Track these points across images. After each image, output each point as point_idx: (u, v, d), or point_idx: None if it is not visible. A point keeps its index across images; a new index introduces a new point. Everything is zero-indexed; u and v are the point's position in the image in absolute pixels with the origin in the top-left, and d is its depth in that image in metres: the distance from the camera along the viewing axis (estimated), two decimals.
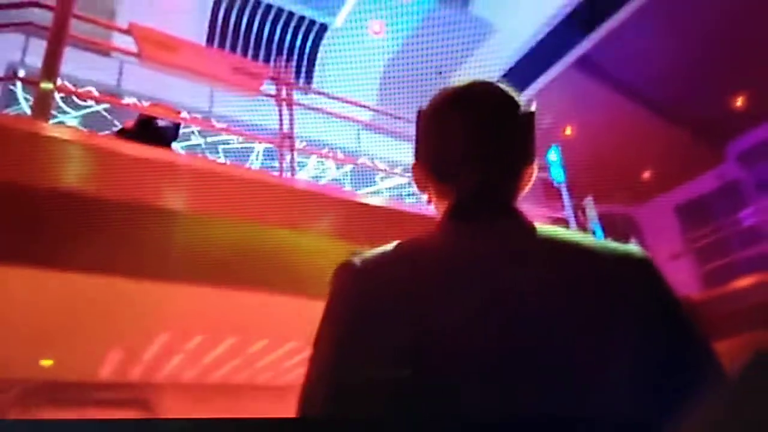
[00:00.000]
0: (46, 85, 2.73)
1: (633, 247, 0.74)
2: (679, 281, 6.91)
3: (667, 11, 5.96)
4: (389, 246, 0.75)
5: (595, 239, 0.75)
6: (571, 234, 0.75)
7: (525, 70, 6.49)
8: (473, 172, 0.77)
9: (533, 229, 0.74)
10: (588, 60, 6.54)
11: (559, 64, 6.41)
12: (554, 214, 4.87)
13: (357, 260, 0.74)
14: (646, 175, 8.07)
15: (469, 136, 0.79)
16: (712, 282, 7.07)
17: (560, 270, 0.69)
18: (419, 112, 0.86)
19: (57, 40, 2.80)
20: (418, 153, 0.85)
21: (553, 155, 4.79)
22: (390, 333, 0.66)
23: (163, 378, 5.11)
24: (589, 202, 5.60)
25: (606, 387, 0.63)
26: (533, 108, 0.82)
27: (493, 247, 0.72)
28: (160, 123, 3.58)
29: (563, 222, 4.72)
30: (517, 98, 0.81)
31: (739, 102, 7.21)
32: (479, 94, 0.81)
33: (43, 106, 2.78)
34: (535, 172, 0.82)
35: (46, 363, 4.40)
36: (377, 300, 0.69)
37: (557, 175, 4.78)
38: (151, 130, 3.45)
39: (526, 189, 0.82)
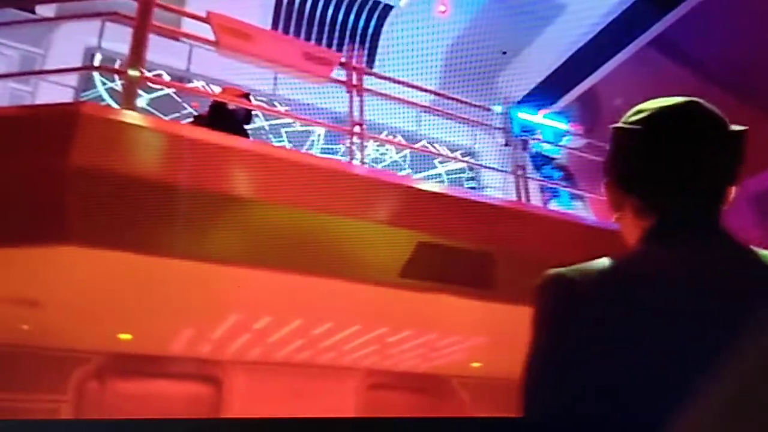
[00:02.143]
0: (133, 73, 2.80)
1: None
2: None
3: None
4: (600, 262, 0.75)
5: None
6: None
7: (596, 49, 6.20)
8: (680, 193, 0.77)
9: (748, 249, 0.74)
10: (664, 40, 6.18)
11: (634, 44, 6.07)
12: None
13: (572, 273, 0.74)
14: None
15: (676, 156, 0.77)
16: None
17: None
18: (616, 129, 0.84)
19: (142, 29, 2.86)
20: (615, 171, 0.84)
21: None
22: (614, 345, 0.67)
23: (230, 355, 5.30)
24: None
25: None
26: (744, 127, 0.80)
27: (709, 267, 0.72)
28: (232, 107, 3.64)
29: None
30: (723, 117, 0.79)
31: None
32: (686, 112, 0.79)
33: (130, 94, 2.87)
34: (734, 191, 0.81)
35: (124, 337, 4.63)
36: (601, 313, 0.70)
37: None
38: (224, 116, 3.52)
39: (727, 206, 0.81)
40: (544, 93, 6.49)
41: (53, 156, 2.63)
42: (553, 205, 5.47)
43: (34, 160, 2.73)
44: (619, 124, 0.84)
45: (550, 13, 6.19)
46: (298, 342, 5.04)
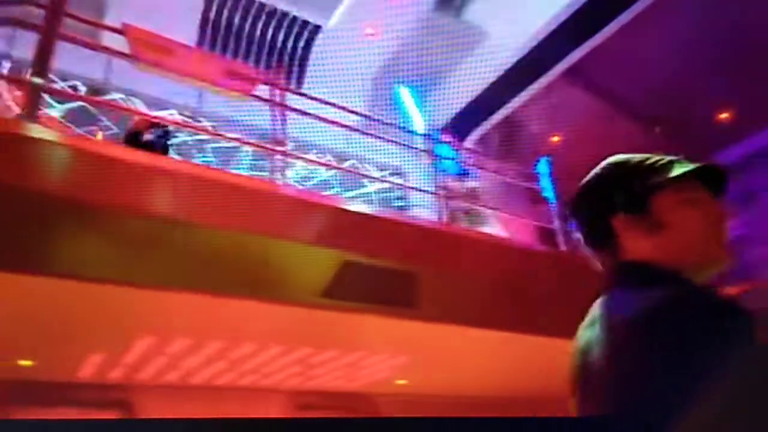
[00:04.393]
0: (37, 81, 2.66)
1: None
2: None
3: (655, 25, 6.05)
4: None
5: None
6: None
7: (516, 77, 6.52)
8: None
9: None
10: (578, 70, 6.60)
11: (550, 72, 6.45)
12: (543, 224, 4.91)
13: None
14: None
15: None
16: None
17: None
18: None
19: (49, 37, 2.73)
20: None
21: (543, 167, 4.82)
22: None
23: (144, 379, 5.04)
24: None
25: None
26: None
27: None
28: (147, 137, 3.52)
29: (551, 232, 4.77)
30: None
31: (726, 115, 7.35)
32: None
33: (33, 103, 2.72)
34: None
35: (26, 363, 4.31)
36: None
37: (546, 186, 4.83)
38: (140, 145, 3.39)
39: None
40: (467, 118, 6.74)
41: None
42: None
43: None
44: None
45: (474, 40, 6.46)
46: (218, 364, 4.88)
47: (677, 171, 0.92)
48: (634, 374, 0.75)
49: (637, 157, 0.99)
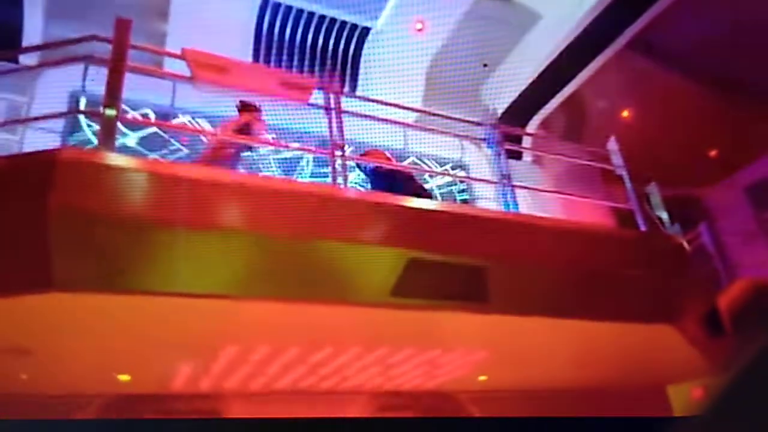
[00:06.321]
0: (110, 113, 2.83)
1: None
2: (756, 263, 6.51)
3: None
4: None
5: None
6: None
7: (575, 54, 6.25)
8: None
9: None
10: (642, 40, 6.24)
11: (612, 46, 6.13)
12: (618, 204, 4.67)
13: None
14: (712, 154, 7.63)
15: None
16: None
17: None
18: None
19: (117, 70, 2.90)
20: None
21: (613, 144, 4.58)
22: None
23: (230, 388, 5.25)
24: (652, 189, 5.35)
25: None
26: None
27: None
28: None
29: (629, 212, 4.52)
30: None
31: None
32: None
33: (108, 133, 2.89)
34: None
35: (124, 378, 4.59)
36: None
37: (619, 164, 4.58)
38: None
39: None
40: (528, 102, 6.54)
41: (34, 203, 2.64)
42: None
43: (16, 209, 2.74)
44: None
45: (526, 22, 6.26)
46: (298, 369, 5.00)
47: None
48: None
49: None
